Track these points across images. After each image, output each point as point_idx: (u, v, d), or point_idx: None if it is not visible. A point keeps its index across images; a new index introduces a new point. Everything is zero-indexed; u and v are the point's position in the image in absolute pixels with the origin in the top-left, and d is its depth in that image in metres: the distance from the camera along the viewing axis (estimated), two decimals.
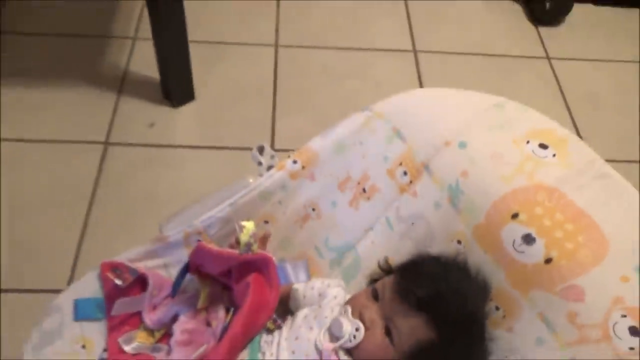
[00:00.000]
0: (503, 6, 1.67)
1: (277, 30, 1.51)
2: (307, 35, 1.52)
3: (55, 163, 1.19)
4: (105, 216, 1.12)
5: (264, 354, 0.67)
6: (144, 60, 1.38)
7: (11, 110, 1.25)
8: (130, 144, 1.24)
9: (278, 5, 1.58)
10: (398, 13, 1.60)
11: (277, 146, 1.23)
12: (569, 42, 1.60)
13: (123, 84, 1.35)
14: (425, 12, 1.62)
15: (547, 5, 1.60)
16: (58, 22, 1.46)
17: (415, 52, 1.50)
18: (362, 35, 1.53)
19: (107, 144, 1.23)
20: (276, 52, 1.47)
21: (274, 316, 0.70)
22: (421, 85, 1.41)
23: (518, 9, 1.66)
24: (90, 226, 1.10)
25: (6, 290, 1.02)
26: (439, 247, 0.72)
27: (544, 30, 1.61)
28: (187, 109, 1.32)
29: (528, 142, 0.72)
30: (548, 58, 1.54)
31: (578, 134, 1.34)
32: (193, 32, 1.26)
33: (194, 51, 1.28)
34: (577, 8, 1.63)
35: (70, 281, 1.03)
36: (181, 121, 1.31)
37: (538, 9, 1.63)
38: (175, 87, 1.30)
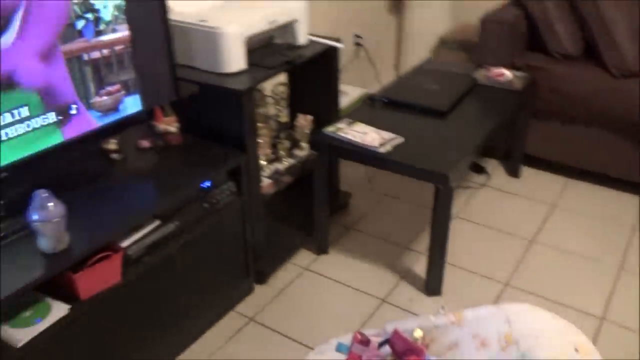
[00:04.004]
0: None
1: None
2: None
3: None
4: None
5: None
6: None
7: None
8: (396, 306, 2.14)
9: None
10: None
11: None
12: None
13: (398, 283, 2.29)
14: None
15: None
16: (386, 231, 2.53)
17: None
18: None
19: (383, 301, 2.16)
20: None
21: None
22: None
23: None
24: None
25: None
26: None
27: None
28: (435, 298, 2.18)
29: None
30: None
31: None
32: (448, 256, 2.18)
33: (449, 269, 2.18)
34: None
35: None
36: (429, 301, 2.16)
37: None
38: (433, 284, 2.19)
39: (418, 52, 3.57)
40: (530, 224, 2.59)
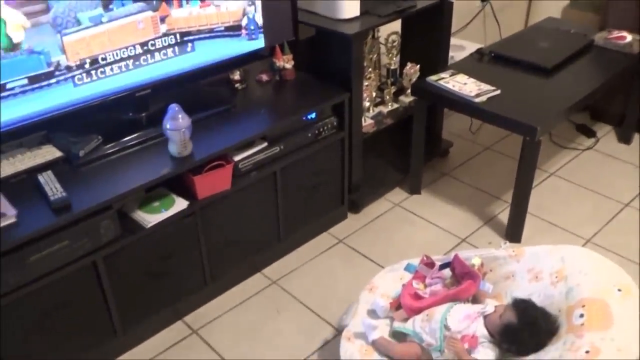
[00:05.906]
0: None
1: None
2: None
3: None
4: None
5: (453, 306, 1.63)
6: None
7: None
8: (474, 246, 2.30)
9: None
10: None
11: None
12: None
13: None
14: None
15: None
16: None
17: None
18: None
19: (464, 240, 2.32)
20: None
21: (469, 298, 1.66)
22: None
23: None
24: None
25: None
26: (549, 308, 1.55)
27: None
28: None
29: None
30: None
31: None
32: (536, 209, 2.29)
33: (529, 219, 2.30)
34: None
35: None
36: None
37: None
38: (514, 231, 2.31)
39: (550, 11, 3.53)
40: (630, 190, 2.59)
